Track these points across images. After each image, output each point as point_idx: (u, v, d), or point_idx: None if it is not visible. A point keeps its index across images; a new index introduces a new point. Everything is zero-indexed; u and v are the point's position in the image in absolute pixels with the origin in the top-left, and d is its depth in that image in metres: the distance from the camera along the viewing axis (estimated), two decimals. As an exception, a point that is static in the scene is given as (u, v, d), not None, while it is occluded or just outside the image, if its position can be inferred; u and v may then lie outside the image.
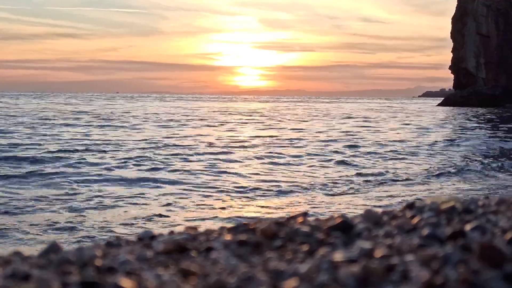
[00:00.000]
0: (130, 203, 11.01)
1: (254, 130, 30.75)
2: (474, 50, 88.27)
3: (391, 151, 20.45)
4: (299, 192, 12.64)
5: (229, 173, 15.08)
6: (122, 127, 30.60)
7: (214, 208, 10.85)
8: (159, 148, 19.88)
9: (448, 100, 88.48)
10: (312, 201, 11.67)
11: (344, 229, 1.36)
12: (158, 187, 12.85)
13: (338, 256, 1.13)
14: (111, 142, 21.61)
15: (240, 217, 10.06)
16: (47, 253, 1.22)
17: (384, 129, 32.38)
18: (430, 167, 16.68)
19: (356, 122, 39.34)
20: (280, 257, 1.19)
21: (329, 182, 13.87)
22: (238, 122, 36.93)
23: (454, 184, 14.17)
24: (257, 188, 12.88)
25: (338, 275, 1.02)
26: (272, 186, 13.25)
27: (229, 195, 12.16)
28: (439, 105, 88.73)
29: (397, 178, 14.66)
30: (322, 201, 11.67)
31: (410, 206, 1.57)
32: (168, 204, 11.00)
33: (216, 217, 10.09)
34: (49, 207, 10.43)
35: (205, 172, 14.95)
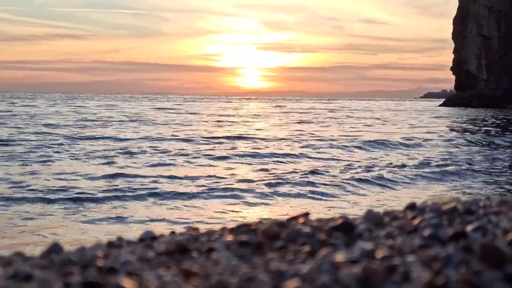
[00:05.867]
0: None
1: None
2: (476, 51, 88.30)
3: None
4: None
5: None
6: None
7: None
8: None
9: (449, 101, 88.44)
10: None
11: (346, 229, 1.36)
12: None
13: (340, 256, 1.13)
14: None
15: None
16: (49, 254, 1.22)
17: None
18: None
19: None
20: (282, 257, 1.19)
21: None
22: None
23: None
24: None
25: (339, 275, 1.03)
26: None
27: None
28: (440, 106, 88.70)
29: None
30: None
31: (411, 207, 1.57)
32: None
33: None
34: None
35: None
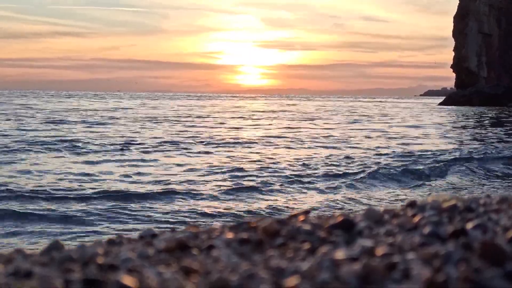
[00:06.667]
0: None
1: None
2: (476, 49, 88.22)
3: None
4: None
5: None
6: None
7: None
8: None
9: (450, 99, 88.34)
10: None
11: (346, 227, 1.36)
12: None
13: (340, 254, 1.13)
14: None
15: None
16: (49, 251, 1.22)
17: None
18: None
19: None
20: (282, 255, 1.19)
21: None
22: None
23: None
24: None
25: (339, 273, 1.03)
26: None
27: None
28: (440, 104, 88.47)
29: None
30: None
31: (412, 204, 1.57)
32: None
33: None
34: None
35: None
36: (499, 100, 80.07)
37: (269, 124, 34.23)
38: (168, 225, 9.30)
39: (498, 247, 1.09)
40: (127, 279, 1.01)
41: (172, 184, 13.01)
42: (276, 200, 11.75)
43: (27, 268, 1.07)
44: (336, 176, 14.63)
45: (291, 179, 13.91)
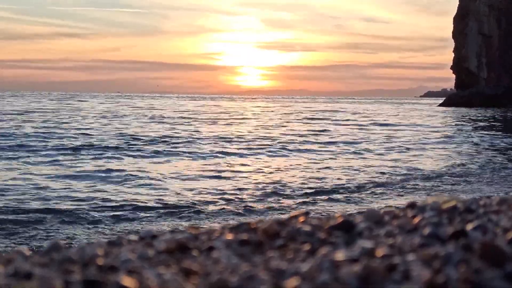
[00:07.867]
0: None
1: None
2: (476, 49, 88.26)
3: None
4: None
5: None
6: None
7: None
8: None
9: (450, 100, 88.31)
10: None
11: (346, 228, 1.36)
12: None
13: (340, 255, 1.13)
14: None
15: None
16: (49, 252, 1.22)
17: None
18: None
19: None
20: (282, 256, 1.19)
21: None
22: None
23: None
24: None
25: (339, 274, 1.03)
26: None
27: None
28: (440, 105, 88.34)
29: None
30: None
31: (412, 205, 1.57)
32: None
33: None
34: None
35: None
36: (499, 100, 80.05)
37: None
38: (168, 226, 9.28)
39: (498, 248, 1.09)
40: (127, 280, 1.01)
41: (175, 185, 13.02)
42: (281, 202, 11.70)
43: (27, 269, 1.07)
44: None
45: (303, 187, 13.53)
